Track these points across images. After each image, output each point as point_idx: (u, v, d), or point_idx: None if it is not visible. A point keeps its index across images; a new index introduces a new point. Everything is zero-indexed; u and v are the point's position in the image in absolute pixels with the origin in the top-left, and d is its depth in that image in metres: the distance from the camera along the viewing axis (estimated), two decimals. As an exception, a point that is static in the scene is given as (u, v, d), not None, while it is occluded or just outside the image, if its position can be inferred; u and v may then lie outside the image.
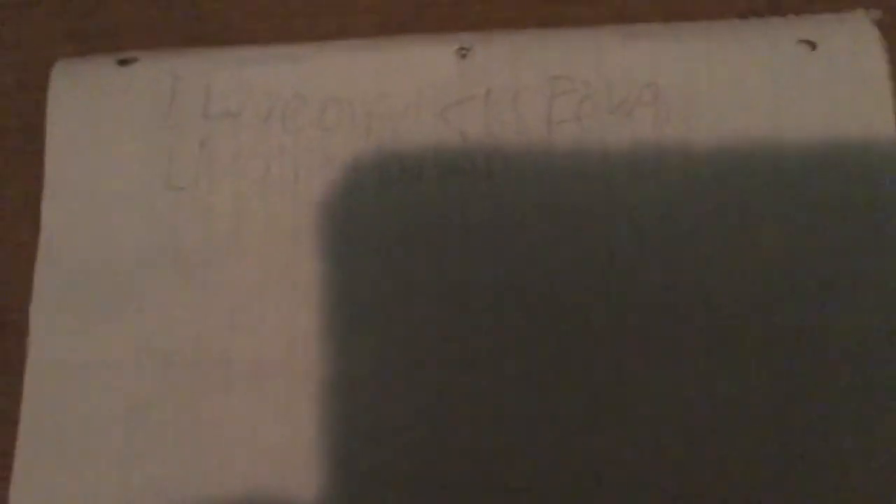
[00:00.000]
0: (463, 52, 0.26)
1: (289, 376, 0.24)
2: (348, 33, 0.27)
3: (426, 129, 0.26)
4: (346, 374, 0.24)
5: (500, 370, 0.24)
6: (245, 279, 0.25)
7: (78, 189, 0.26)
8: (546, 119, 0.26)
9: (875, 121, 0.25)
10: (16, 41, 0.28)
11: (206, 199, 0.26)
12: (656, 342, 0.24)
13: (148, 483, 0.24)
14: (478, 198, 0.25)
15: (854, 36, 0.26)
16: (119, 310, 0.25)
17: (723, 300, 0.24)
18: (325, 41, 0.27)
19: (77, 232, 0.25)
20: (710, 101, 0.25)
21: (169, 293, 0.25)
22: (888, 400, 0.23)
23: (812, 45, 0.26)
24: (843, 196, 0.25)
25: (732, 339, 0.24)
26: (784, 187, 0.25)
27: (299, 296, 0.25)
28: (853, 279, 0.24)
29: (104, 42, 0.28)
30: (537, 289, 0.25)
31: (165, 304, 0.25)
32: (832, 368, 0.24)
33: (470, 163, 0.26)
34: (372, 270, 0.25)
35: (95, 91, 0.26)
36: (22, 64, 0.28)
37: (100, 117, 0.26)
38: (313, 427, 0.24)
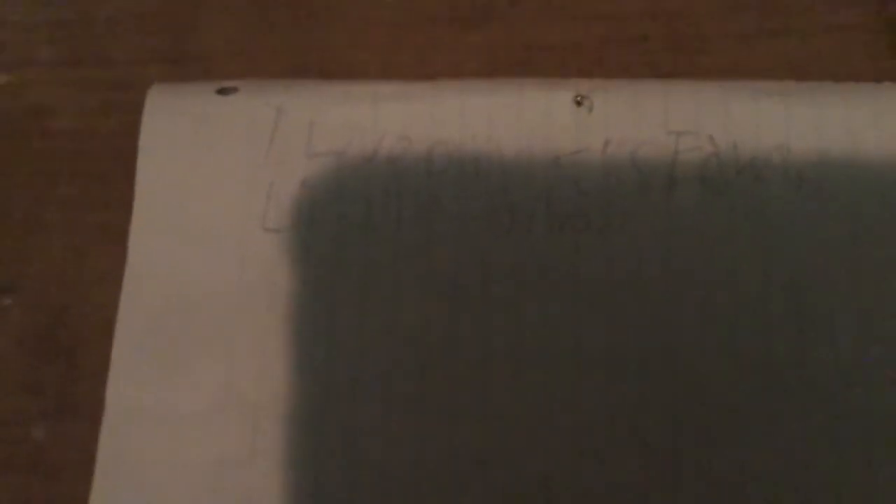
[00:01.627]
0: (579, 100, 0.25)
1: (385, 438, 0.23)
2: (458, 72, 0.26)
3: (539, 177, 0.24)
4: (447, 428, 0.23)
5: (612, 434, 0.23)
6: (343, 328, 0.23)
7: (168, 223, 0.24)
8: (668, 176, 0.24)
9: None
10: (105, 58, 0.27)
11: (304, 242, 0.24)
12: (782, 415, 0.22)
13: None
14: (591, 253, 0.24)
15: None
16: (206, 356, 0.23)
17: (856, 377, 0.23)
18: (434, 80, 0.25)
19: (165, 269, 0.24)
20: (845, 168, 0.24)
21: (261, 340, 0.23)
22: None
23: (953, 116, 0.24)
24: None
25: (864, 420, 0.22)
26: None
27: (400, 345, 0.23)
28: None
29: (198, 66, 0.26)
30: (652, 352, 0.23)
31: (256, 353, 0.23)
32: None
33: (584, 217, 0.24)
34: (473, 322, 0.23)
35: (192, 119, 0.25)
36: (110, 83, 0.26)
37: (196, 148, 0.25)
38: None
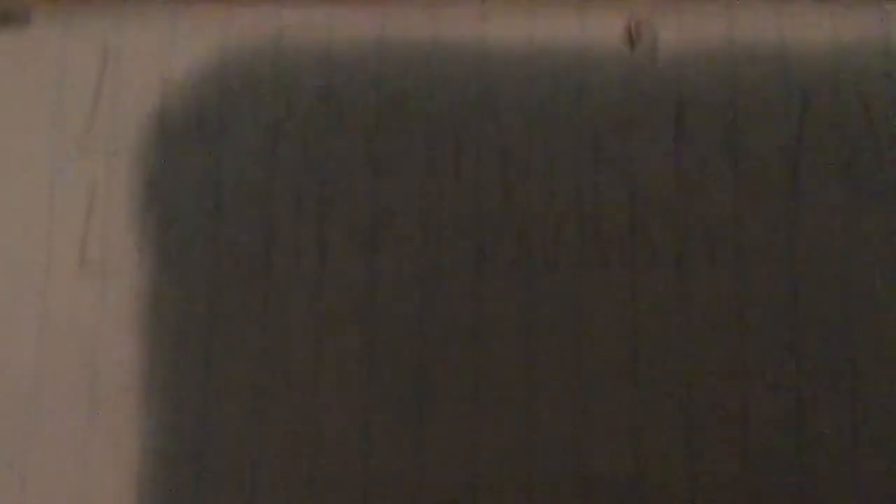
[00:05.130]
0: (634, 33, 0.15)
1: None
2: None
3: (568, 174, 0.14)
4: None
5: None
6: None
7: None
8: (789, 166, 0.14)
9: None
10: None
11: (149, 291, 0.14)
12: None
13: None
14: (651, 300, 0.14)
15: None
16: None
17: None
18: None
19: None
20: None
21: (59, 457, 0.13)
22: None
23: None
24: None
25: None
26: None
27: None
28: None
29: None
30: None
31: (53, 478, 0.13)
32: None
33: (644, 243, 0.14)
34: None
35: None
36: None
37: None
38: None
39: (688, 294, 0.14)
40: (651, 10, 0.15)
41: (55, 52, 0.14)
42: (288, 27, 0.14)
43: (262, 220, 0.14)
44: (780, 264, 0.14)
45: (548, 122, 0.14)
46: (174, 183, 0.14)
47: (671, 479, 0.13)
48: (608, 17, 0.15)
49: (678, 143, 0.14)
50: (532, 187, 0.14)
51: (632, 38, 0.15)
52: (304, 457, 0.13)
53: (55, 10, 0.14)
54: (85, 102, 0.14)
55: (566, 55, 0.14)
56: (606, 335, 0.14)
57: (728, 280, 0.14)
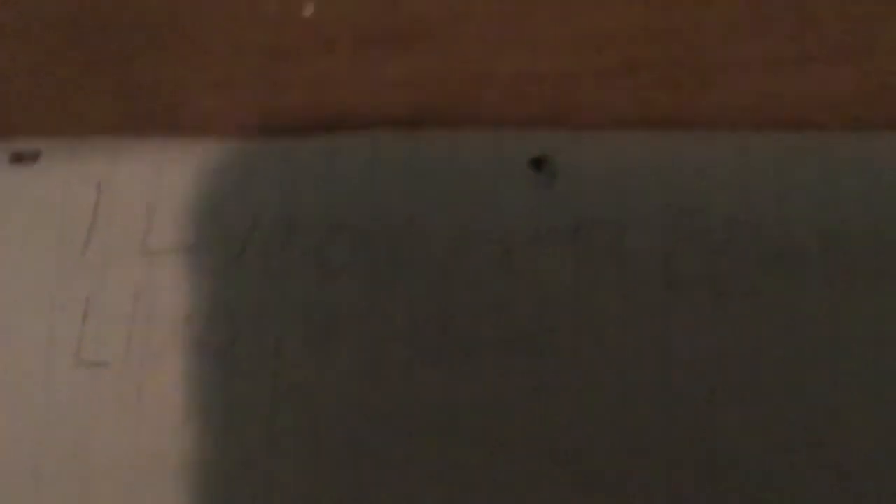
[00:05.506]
0: (539, 163, 0.18)
1: None
2: (369, 118, 0.18)
3: (483, 278, 0.17)
4: None
5: None
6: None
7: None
8: (663, 273, 0.17)
9: None
10: None
11: (138, 382, 0.16)
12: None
13: None
14: (555, 386, 0.17)
15: None
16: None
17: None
18: (329, 129, 0.18)
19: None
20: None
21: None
22: None
23: None
24: None
25: None
26: None
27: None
28: None
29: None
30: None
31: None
32: None
33: (548, 334, 0.17)
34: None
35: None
36: None
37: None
38: None
39: (581, 377, 0.17)
40: (553, 139, 0.18)
41: (59, 184, 0.17)
42: (252, 158, 0.17)
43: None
44: (654, 356, 0.17)
45: (467, 236, 0.17)
46: (156, 292, 0.17)
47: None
48: (518, 145, 0.18)
49: (573, 249, 0.17)
50: (455, 292, 0.17)
51: (538, 163, 0.18)
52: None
53: (59, 148, 0.17)
54: (83, 224, 0.17)
55: (483, 178, 0.18)
56: (521, 415, 0.17)
57: (615, 367, 0.17)
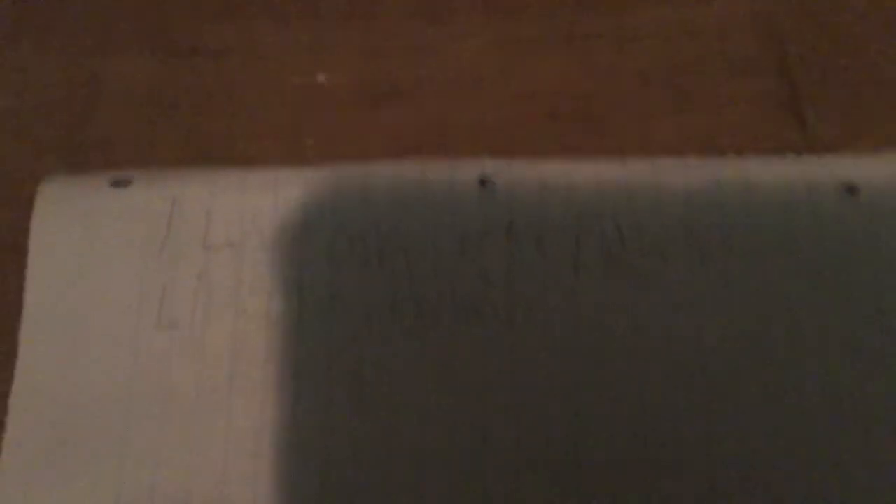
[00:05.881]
0: (484, 181, 0.25)
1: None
2: (365, 154, 0.26)
3: (444, 265, 0.24)
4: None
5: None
6: (241, 426, 0.23)
7: (60, 323, 0.23)
8: (572, 261, 0.24)
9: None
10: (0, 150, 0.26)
11: (200, 338, 0.23)
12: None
13: None
14: (496, 344, 0.23)
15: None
16: (100, 461, 0.22)
17: (763, 446, 0.22)
18: (337, 163, 0.25)
19: (57, 372, 0.23)
20: (749, 244, 0.24)
21: (156, 441, 0.22)
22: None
23: (853, 190, 0.24)
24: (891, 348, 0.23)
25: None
26: (830, 336, 0.23)
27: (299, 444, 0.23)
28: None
29: (96, 155, 0.26)
30: (560, 448, 0.23)
31: (152, 454, 0.22)
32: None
33: (490, 305, 0.24)
34: (380, 422, 0.23)
35: (84, 215, 0.24)
36: (5, 176, 0.26)
37: (88, 245, 0.24)
38: None
39: (514, 338, 0.23)
40: (494, 165, 0.25)
41: (144, 202, 0.24)
42: (280, 180, 0.25)
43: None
44: (567, 322, 0.23)
45: (433, 232, 0.24)
46: (212, 275, 0.24)
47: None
48: (470, 169, 0.25)
49: (508, 243, 0.24)
50: (422, 270, 0.24)
51: (483, 181, 0.25)
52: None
53: (146, 176, 0.24)
54: (162, 230, 0.24)
55: (445, 192, 0.25)
56: (473, 369, 0.23)
57: (539, 331, 0.23)
